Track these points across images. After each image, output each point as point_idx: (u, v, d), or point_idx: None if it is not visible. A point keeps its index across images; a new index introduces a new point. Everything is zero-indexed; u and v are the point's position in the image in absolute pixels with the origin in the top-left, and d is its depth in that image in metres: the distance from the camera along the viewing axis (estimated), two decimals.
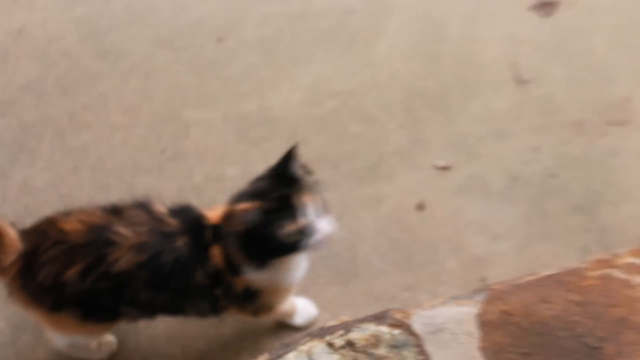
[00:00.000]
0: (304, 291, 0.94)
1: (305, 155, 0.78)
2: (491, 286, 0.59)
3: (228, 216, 0.72)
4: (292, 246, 0.71)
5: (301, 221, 0.70)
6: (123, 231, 0.72)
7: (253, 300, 0.78)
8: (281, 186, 0.71)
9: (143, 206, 0.75)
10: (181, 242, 0.74)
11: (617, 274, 0.53)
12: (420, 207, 1.09)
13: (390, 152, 1.16)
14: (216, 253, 0.75)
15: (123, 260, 0.71)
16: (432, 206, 1.09)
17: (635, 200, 1.07)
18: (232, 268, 0.75)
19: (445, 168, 1.14)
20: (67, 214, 0.75)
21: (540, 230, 1.03)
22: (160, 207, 0.76)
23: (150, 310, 0.80)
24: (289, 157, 0.73)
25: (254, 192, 0.72)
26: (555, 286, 0.56)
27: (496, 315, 0.53)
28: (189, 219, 0.76)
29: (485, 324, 0.53)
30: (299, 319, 0.92)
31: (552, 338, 0.51)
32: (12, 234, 0.70)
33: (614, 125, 1.17)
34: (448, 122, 1.19)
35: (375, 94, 1.26)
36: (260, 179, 0.75)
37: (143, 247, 0.72)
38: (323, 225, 0.71)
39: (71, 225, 0.73)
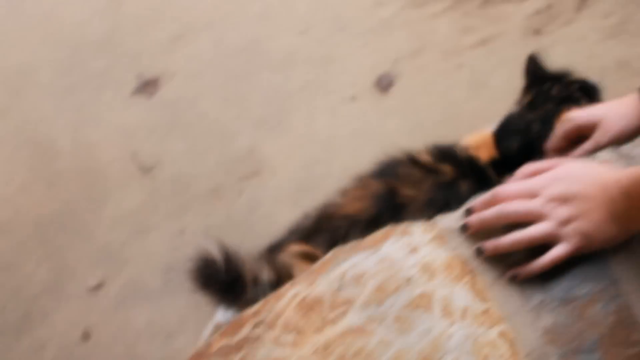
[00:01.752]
0: None
1: None
2: None
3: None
4: None
5: None
6: (408, 192, 1.05)
7: None
8: None
9: (412, 161, 1.12)
10: (464, 187, 1.04)
11: None
12: (86, 336, 1.73)
13: (37, 292, 1.77)
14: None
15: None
16: (97, 330, 1.73)
17: None
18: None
19: (98, 286, 1.80)
20: (339, 199, 1.09)
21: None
22: (426, 156, 1.12)
23: None
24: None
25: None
26: None
27: None
28: (461, 162, 1.08)
29: None
30: None
31: None
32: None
33: (248, 180, 1.99)
34: (87, 239, 1.85)
35: (3, 238, 1.87)
36: None
37: (431, 203, 1.04)
38: None
39: (353, 207, 1.05)
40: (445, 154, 1.14)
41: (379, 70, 1.89)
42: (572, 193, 0.89)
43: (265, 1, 1.97)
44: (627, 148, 0.99)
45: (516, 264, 0.88)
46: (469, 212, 0.93)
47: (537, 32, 1.92)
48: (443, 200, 1.06)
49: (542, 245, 0.87)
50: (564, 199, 0.89)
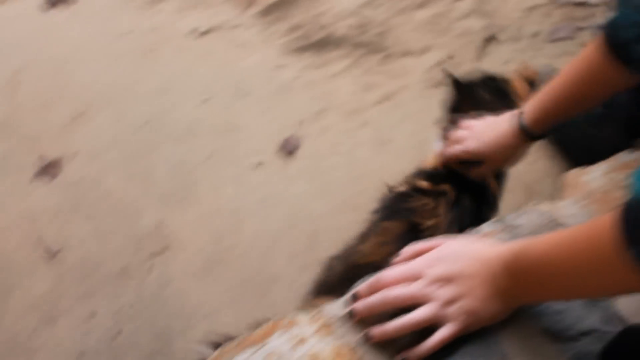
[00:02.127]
0: None
1: None
2: None
3: None
4: None
5: None
6: (430, 222, 1.19)
7: None
8: None
9: (418, 191, 1.25)
10: (467, 201, 1.24)
11: None
12: None
13: None
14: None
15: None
16: None
17: (202, 318, 2.09)
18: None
19: None
20: (361, 246, 1.28)
21: None
22: (425, 183, 1.25)
23: None
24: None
25: None
26: None
27: None
28: (451, 177, 1.27)
29: None
30: None
31: None
32: None
33: (157, 256, 2.21)
34: None
35: None
36: None
37: (452, 224, 1.19)
38: None
39: (380, 253, 1.18)
40: (435, 175, 1.31)
41: (284, 134, 2.11)
42: (454, 273, 0.98)
43: (165, 73, 2.18)
44: (510, 218, 1.17)
45: (405, 347, 0.96)
46: (354, 298, 1.02)
47: (439, 83, 2.19)
48: (458, 217, 1.23)
49: (431, 326, 0.96)
50: (446, 279, 0.98)
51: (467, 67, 2.19)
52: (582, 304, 1.01)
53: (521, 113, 1.29)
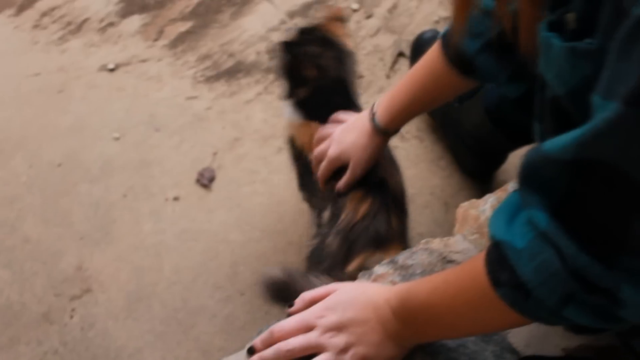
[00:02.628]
0: None
1: None
2: None
3: None
4: None
5: None
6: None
7: None
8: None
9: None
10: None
11: None
12: None
13: None
14: None
15: None
16: None
17: (127, 358, 2.09)
18: None
19: None
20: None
21: None
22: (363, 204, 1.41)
23: None
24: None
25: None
26: None
27: None
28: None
29: None
30: None
31: None
32: None
33: (78, 299, 2.22)
34: None
35: None
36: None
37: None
38: None
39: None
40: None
41: (199, 165, 2.15)
42: (346, 321, 1.02)
43: (77, 112, 2.18)
44: (402, 258, 1.23)
45: None
46: (251, 351, 1.08)
47: None
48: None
49: None
50: (339, 327, 1.02)
51: (379, 85, 2.24)
52: (475, 340, 1.06)
53: (374, 114, 1.39)
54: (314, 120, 1.48)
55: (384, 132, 1.34)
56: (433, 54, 1.30)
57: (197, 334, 1.85)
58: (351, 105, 1.49)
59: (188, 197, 2.07)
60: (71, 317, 2.00)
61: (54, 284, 2.04)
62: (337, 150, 1.31)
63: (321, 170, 1.35)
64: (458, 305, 0.92)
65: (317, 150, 1.36)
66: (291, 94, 1.50)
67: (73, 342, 1.89)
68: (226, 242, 1.96)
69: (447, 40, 1.26)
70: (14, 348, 1.86)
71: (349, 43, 1.48)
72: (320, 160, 1.35)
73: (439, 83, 1.32)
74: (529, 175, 0.76)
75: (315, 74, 1.46)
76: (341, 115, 1.36)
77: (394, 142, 2.10)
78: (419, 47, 2.17)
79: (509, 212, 0.82)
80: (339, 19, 1.48)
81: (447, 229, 2.02)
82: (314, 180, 1.44)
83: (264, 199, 2.05)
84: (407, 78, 1.38)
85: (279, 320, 1.12)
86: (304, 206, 1.93)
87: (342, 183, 1.33)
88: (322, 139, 1.36)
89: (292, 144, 1.58)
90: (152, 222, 2.01)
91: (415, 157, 2.13)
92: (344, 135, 1.31)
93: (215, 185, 2.08)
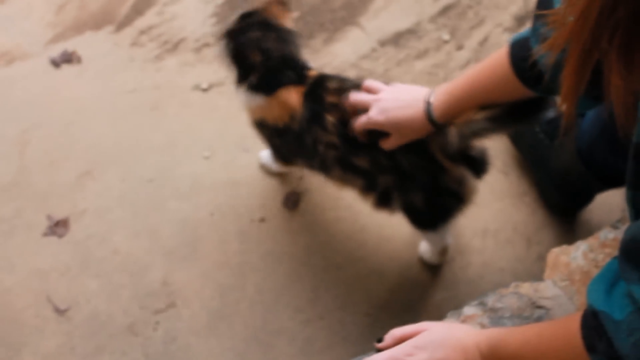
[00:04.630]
0: None
1: None
2: None
3: None
4: None
5: None
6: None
7: None
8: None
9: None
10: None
11: None
12: None
13: None
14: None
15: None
16: None
17: None
18: None
19: None
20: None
21: None
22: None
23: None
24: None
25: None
26: None
27: None
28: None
29: None
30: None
31: None
32: None
33: (162, 313, 2.30)
34: None
35: None
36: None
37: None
38: None
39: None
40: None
41: (286, 189, 2.21)
42: None
43: (169, 130, 2.27)
44: (491, 301, 1.26)
45: None
46: None
47: None
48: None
49: None
50: None
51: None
52: None
53: (429, 104, 1.40)
54: (276, 92, 1.59)
55: (436, 124, 1.37)
56: (500, 59, 1.31)
57: (276, 355, 1.90)
58: (304, 75, 1.62)
59: (273, 218, 2.12)
60: (155, 330, 2.04)
61: (140, 296, 2.10)
62: (383, 119, 1.38)
63: (360, 124, 1.39)
64: None
65: (359, 98, 1.47)
66: (243, 80, 1.62)
67: (156, 355, 1.94)
68: (308, 265, 2.01)
69: (517, 51, 1.27)
70: (98, 357, 1.95)
71: (289, 23, 1.63)
72: (355, 111, 1.41)
73: (501, 87, 1.24)
74: (631, 251, 0.77)
75: (260, 58, 1.57)
76: (375, 84, 1.44)
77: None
78: None
79: (608, 281, 0.83)
80: (279, 2, 1.53)
81: (528, 266, 2.03)
82: (306, 143, 1.62)
83: (347, 225, 2.09)
84: (468, 76, 1.32)
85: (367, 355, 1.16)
86: (386, 233, 1.97)
87: (388, 145, 1.41)
88: (357, 105, 1.40)
89: (263, 125, 1.72)
90: (238, 242, 2.07)
91: (500, 192, 2.15)
92: (393, 108, 1.38)
93: (301, 208, 2.13)
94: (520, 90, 1.21)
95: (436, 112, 1.30)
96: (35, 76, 2.51)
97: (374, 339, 1.49)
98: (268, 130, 1.62)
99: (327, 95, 1.51)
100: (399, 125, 1.44)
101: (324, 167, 1.61)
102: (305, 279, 1.97)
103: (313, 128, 1.51)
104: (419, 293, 1.96)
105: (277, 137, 1.63)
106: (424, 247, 1.77)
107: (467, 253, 2.03)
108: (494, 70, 1.29)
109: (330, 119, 1.49)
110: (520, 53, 1.25)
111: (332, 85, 1.50)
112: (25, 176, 2.27)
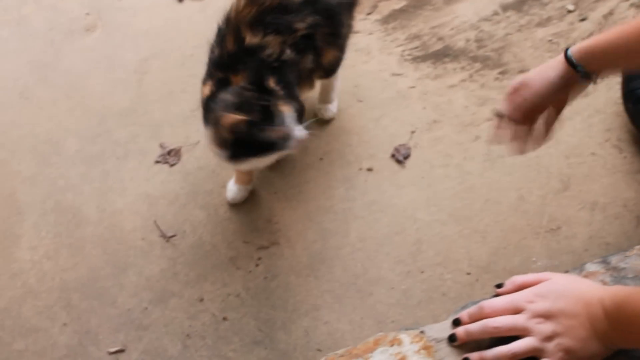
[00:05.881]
0: None
1: None
2: None
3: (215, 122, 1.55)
4: (272, 147, 1.58)
5: (282, 129, 1.53)
6: None
7: None
8: (261, 97, 1.52)
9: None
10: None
11: None
12: None
13: (61, 356, 2.11)
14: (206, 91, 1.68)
15: None
16: None
17: (304, 314, 2.14)
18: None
19: (119, 351, 2.15)
20: None
21: None
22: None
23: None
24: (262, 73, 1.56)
25: (239, 104, 1.54)
26: None
27: None
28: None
29: None
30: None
31: None
32: None
33: (265, 249, 2.32)
34: (109, 305, 2.17)
35: (30, 302, 2.15)
36: (241, 89, 1.57)
37: None
38: (298, 132, 1.57)
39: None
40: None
41: (396, 141, 2.20)
42: (555, 310, 1.04)
43: None
44: (615, 259, 1.22)
45: None
46: (456, 323, 1.12)
47: None
48: None
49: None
50: (548, 315, 1.04)
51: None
52: None
53: (568, 47, 1.31)
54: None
55: (574, 64, 1.26)
56: None
57: (373, 303, 1.91)
58: None
59: (381, 170, 2.12)
60: (257, 265, 2.10)
61: (245, 231, 2.16)
62: (528, 94, 1.36)
63: (512, 107, 1.40)
64: None
65: (511, 94, 1.39)
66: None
67: (255, 288, 1.98)
68: (413, 219, 2.01)
69: None
70: (199, 284, 1.99)
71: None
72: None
73: None
74: None
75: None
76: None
77: (593, 148, 2.09)
78: None
79: None
80: None
81: (635, 243, 1.98)
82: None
83: (455, 183, 2.09)
84: (621, 26, 1.24)
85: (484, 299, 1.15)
86: (493, 196, 1.95)
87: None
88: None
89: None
90: (344, 189, 2.08)
91: (612, 167, 2.11)
92: (534, 78, 1.35)
93: (409, 162, 2.13)
94: None
95: (574, 50, 1.29)
96: (158, 8, 2.57)
97: (472, 298, 1.48)
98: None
99: None
100: (541, 86, 1.37)
101: None
102: (407, 232, 1.97)
103: None
104: (521, 259, 1.95)
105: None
106: None
107: (574, 224, 2.00)
108: None
109: None
110: None
111: None
112: (142, 104, 2.32)
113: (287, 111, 1.55)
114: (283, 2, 1.60)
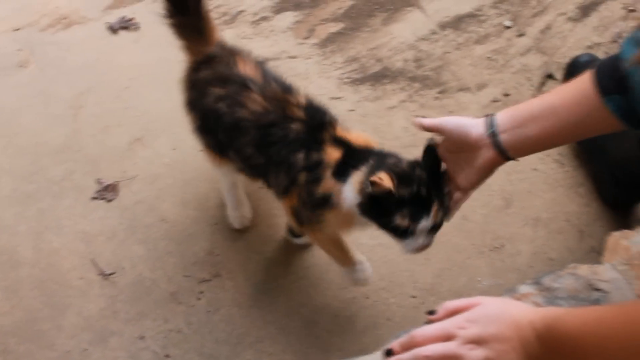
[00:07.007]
0: None
1: None
2: None
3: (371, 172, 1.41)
4: (392, 230, 1.42)
5: (413, 224, 1.37)
6: (256, 92, 1.63)
7: (317, 208, 1.61)
8: (423, 181, 1.39)
9: (286, 88, 1.70)
10: (295, 126, 1.59)
11: None
12: None
13: None
14: (331, 152, 1.56)
15: (247, 110, 1.62)
16: None
17: (248, 346, 2.01)
18: (337, 172, 1.53)
19: None
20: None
21: None
22: (301, 98, 1.65)
23: (247, 165, 1.75)
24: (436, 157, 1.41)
25: (396, 170, 1.43)
26: None
27: None
28: (315, 115, 1.65)
29: None
30: (353, 274, 1.85)
31: None
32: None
33: (207, 283, 2.30)
34: (47, 348, 2.07)
35: None
36: (416, 164, 1.46)
37: (264, 112, 1.60)
38: (424, 240, 1.41)
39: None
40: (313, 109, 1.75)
41: None
42: (487, 335, 1.03)
43: None
44: (548, 279, 1.23)
45: None
46: (388, 353, 1.10)
47: None
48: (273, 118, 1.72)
49: None
50: (479, 341, 1.03)
51: None
52: None
53: (493, 125, 1.28)
54: None
55: (503, 153, 1.24)
56: (583, 85, 1.23)
57: (318, 331, 1.90)
58: None
59: None
60: (198, 299, 2.07)
61: (185, 265, 2.13)
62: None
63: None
64: (610, 348, 0.91)
65: None
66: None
67: (198, 323, 1.94)
68: (356, 244, 2.01)
69: (603, 72, 1.20)
70: (140, 322, 1.95)
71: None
72: None
73: (586, 118, 1.16)
74: None
75: None
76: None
77: (534, 164, 2.10)
78: (573, 70, 2.15)
79: None
80: None
81: (579, 258, 1.99)
82: None
83: None
84: (542, 103, 1.22)
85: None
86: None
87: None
88: None
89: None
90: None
91: (554, 181, 2.12)
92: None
93: None
94: (609, 124, 1.14)
95: (505, 140, 1.25)
96: (92, 41, 2.54)
97: (417, 321, 1.48)
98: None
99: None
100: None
101: None
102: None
103: None
104: (467, 279, 1.94)
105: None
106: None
107: (517, 241, 2.00)
108: (577, 99, 1.19)
109: None
110: (601, 75, 1.15)
111: None
112: (78, 139, 2.29)
113: (430, 218, 1.39)
114: None
